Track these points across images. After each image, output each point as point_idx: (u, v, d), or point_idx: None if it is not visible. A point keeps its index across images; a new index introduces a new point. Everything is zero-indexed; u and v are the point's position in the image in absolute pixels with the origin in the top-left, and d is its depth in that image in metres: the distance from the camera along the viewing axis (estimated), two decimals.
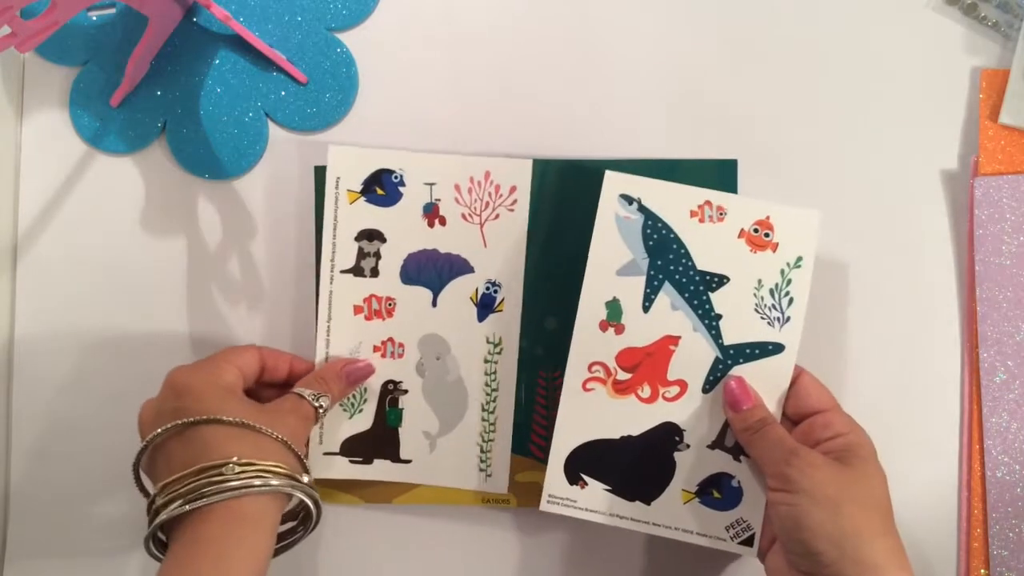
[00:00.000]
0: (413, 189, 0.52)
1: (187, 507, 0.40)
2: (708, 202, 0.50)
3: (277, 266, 0.55)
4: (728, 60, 0.55)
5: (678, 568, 0.54)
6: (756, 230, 0.50)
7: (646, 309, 0.50)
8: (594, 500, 0.51)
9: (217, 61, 0.55)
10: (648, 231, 0.50)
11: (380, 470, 0.52)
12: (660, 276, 0.50)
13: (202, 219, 0.55)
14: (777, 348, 0.50)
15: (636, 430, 0.51)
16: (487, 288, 0.52)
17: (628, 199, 0.50)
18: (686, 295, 0.50)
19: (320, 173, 0.54)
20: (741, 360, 0.50)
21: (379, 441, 0.52)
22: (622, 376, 0.50)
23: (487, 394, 0.52)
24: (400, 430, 0.52)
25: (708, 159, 0.54)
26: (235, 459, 0.41)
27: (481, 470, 0.52)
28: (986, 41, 0.55)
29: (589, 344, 0.50)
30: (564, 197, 0.54)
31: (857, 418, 0.48)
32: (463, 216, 0.52)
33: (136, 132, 0.55)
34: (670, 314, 0.50)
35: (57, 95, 0.56)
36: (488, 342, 0.52)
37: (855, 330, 0.54)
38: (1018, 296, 0.53)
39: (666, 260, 0.50)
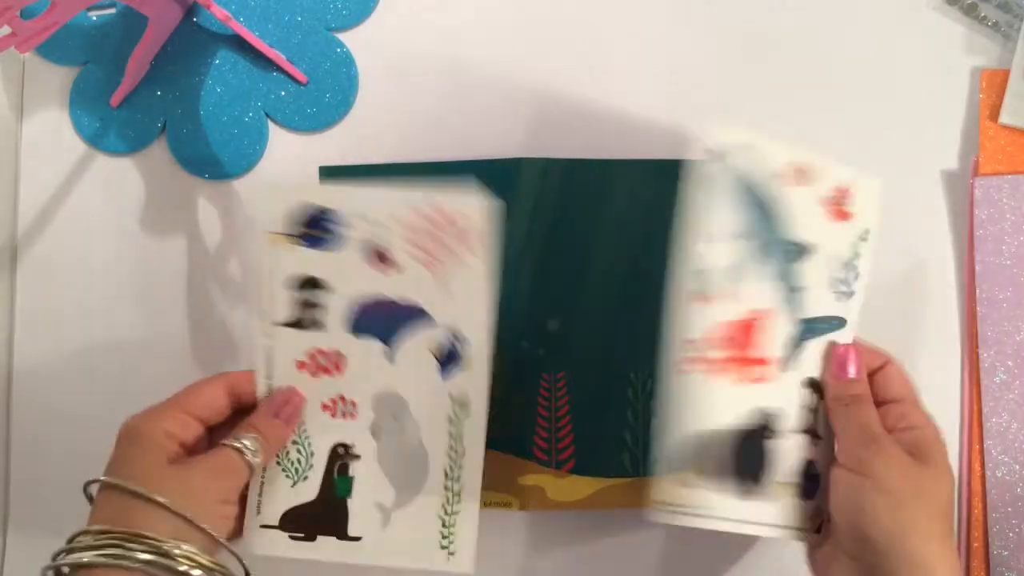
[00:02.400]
0: (358, 231, 0.45)
1: (85, 560, 0.39)
2: (793, 164, 0.46)
3: None
4: (728, 60, 0.55)
5: (683, 569, 0.54)
6: (834, 198, 0.47)
7: (735, 280, 0.46)
8: (713, 503, 0.45)
9: (217, 61, 0.55)
10: (737, 200, 0.46)
11: (324, 549, 0.46)
12: (751, 245, 0.46)
13: (202, 219, 0.55)
14: (840, 323, 0.47)
15: (731, 419, 0.46)
16: (450, 341, 0.46)
17: (715, 168, 0.46)
18: (774, 265, 0.46)
19: (324, 174, 0.54)
20: (810, 335, 0.47)
21: (324, 514, 0.46)
22: (714, 354, 0.46)
23: (451, 459, 0.46)
24: (349, 502, 0.46)
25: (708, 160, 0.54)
26: (142, 532, 0.39)
27: (443, 547, 0.46)
28: (986, 41, 0.55)
29: (683, 319, 0.46)
30: (565, 197, 0.54)
31: None
32: (418, 260, 0.46)
33: (136, 132, 0.55)
34: (758, 285, 0.46)
35: (57, 95, 0.56)
36: (453, 400, 0.46)
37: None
38: (1018, 296, 0.53)
39: (755, 230, 0.46)
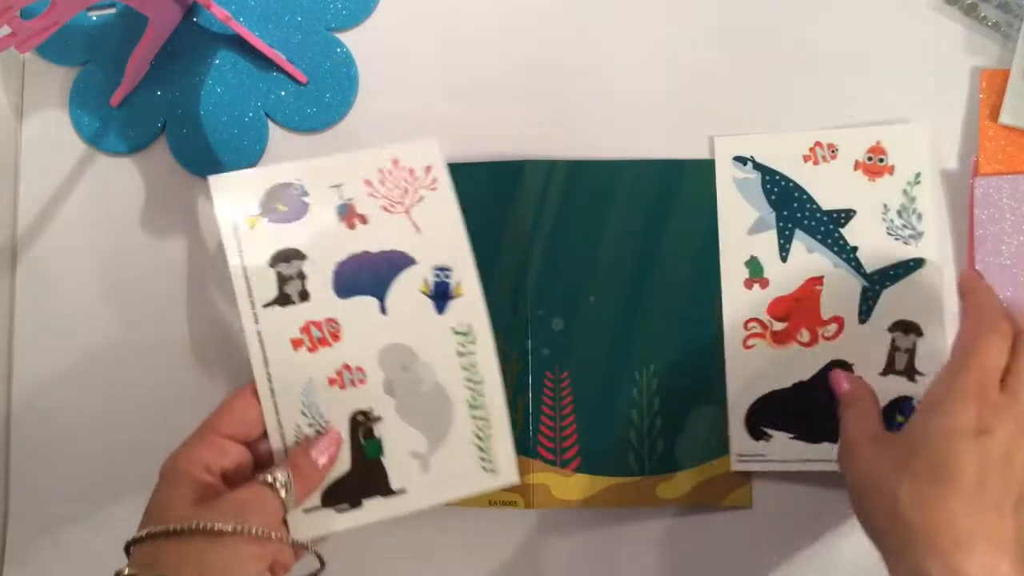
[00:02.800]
0: (318, 196, 0.46)
1: None
2: (818, 143, 0.53)
3: None
4: (728, 60, 0.55)
5: (688, 567, 0.54)
6: (870, 158, 0.52)
7: (784, 259, 0.53)
8: (782, 450, 0.52)
9: (217, 61, 0.55)
10: (768, 186, 0.53)
11: (373, 511, 0.46)
12: (789, 225, 0.53)
13: (202, 219, 0.55)
14: (918, 263, 0.52)
15: (806, 374, 0.52)
16: (436, 275, 0.46)
17: (742, 160, 0.52)
18: (818, 236, 0.53)
19: None
20: (888, 283, 0.52)
21: (363, 479, 0.46)
22: (778, 327, 0.52)
23: (471, 388, 0.47)
24: (383, 460, 0.46)
25: (709, 159, 0.54)
26: None
27: (485, 469, 0.47)
28: (986, 41, 0.55)
29: (739, 304, 0.53)
30: (568, 197, 0.54)
31: None
32: (384, 208, 0.46)
33: (136, 132, 0.55)
34: (808, 257, 0.53)
35: (57, 95, 0.56)
36: (456, 333, 0.46)
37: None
38: (1018, 296, 0.53)
39: (791, 209, 0.53)
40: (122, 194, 0.55)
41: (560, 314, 0.53)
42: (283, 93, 0.55)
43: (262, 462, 0.44)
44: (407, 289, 0.46)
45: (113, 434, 0.54)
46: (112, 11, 0.56)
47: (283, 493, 0.41)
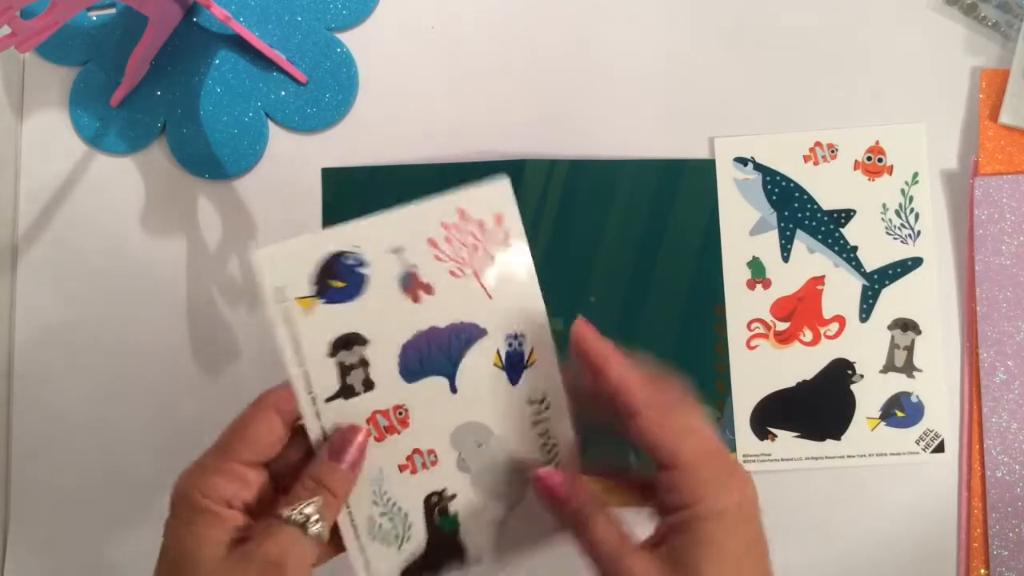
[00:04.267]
0: (377, 266, 0.40)
1: None
2: (818, 143, 0.53)
3: None
4: (728, 60, 0.55)
5: None
6: (869, 158, 0.53)
7: (785, 259, 0.53)
8: (787, 449, 0.53)
9: (217, 61, 0.55)
10: (769, 187, 0.53)
11: None
12: (790, 226, 0.53)
13: (202, 219, 0.55)
14: (916, 262, 0.53)
15: (809, 373, 0.53)
16: (509, 344, 0.42)
17: (743, 161, 0.53)
18: (819, 236, 0.53)
19: (327, 175, 0.54)
20: (887, 281, 0.53)
21: (441, 553, 0.42)
22: (781, 327, 0.53)
23: (546, 452, 0.43)
24: (461, 531, 0.42)
25: (709, 159, 0.54)
26: None
27: None
28: (986, 41, 0.55)
29: (742, 305, 0.53)
30: (568, 197, 0.54)
31: None
32: (451, 273, 0.41)
33: (136, 132, 0.55)
34: (809, 257, 0.53)
35: (57, 95, 0.56)
36: (531, 403, 0.42)
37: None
38: (1018, 296, 0.53)
39: (792, 209, 0.53)
40: (122, 194, 0.55)
41: (560, 314, 0.53)
42: (283, 93, 0.55)
43: (280, 478, 0.39)
44: (478, 363, 0.41)
45: (113, 434, 0.54)
46: (112, 11, 0.56)
47: (315, 528, 0.37)
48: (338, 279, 0.39)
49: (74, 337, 0.55)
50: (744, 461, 0.53)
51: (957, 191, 0.54)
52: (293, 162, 0.55)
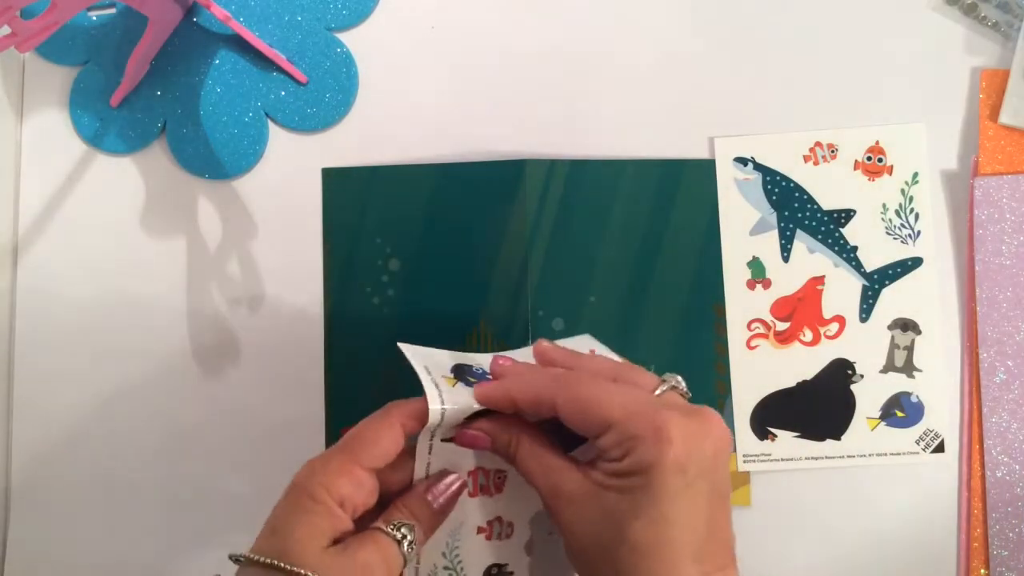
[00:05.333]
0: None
1: None
2: (818, 143, 0.53)
3: (278, 266, 0.55)
4: (728, 60, 0.55)
5: None
6: (869, 158, 0.53)
7: (785, 259, 0.53)
8: (787, 449, 0.53)
9: (217, 61, 0.55)
10: (769, 186, 0.53)
11: None
12: (790, 226, 0.53)
13: (202, 219, 0.55)
14: (916, 262, 0.53)
15: (810, 373, 0.53)
16: None
17: (743, 161, 0.53)
18: (819, 237, 0.53)
19: (327, 175, 0.54)
20: (887, 282, 0.53)
21: None
22: (781, 327, 0.53)
23: None
24: None
25: (709, 159, 0.54)
26: None
27: None
28: (986, 41, 0.55)
29: (742, 305, 0.53)
30: (569, 197, 0.54)
31: None
32: None
33: (136, 132, 0.55)
34: (809, 257, 0.53)
35: (57, 95, 0.56)
36: None
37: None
38: (1018, 296, 0.53)
39: (792, 209, 0.53)
40: (122, 194, 0.55)
41: (561, 314, 0.53)
42: (283, 93, 0.55)
43: (384, 492, 0.40)
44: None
45: (113, 434, 0.54)
46: (112, 11, 0.56)
47: (407, 549, 0.38)
48: (470, 375, 0.41)
49: (74, 337, 0.55)
50: (744, 461, 0.53)
51: (957, 191, 0.54)
52: (293, 162, 0.55)
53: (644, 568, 0.35)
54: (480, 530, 0.42)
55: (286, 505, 0.38)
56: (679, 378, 0.39)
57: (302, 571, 0.35)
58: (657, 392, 0.38)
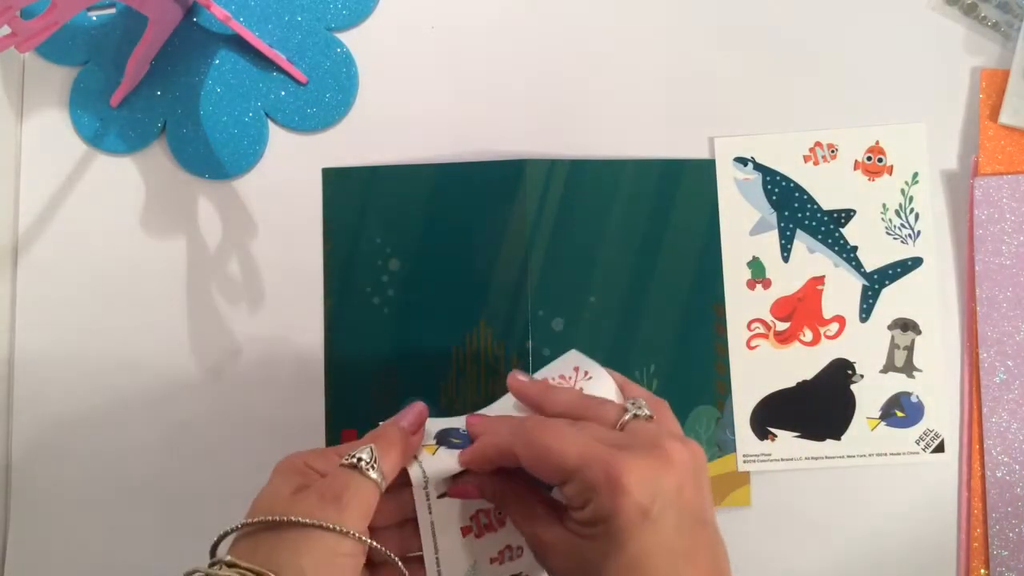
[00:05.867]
0: None
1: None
2: (818, 143, 0.53)
3: (278, 266, 0.55)
4: (728, 60, 0.55)
5: None
6: (869, 158, 0.53)
7: (786, 259, 0.53)
8: (787, 449, 0.53)
9: (217, 61, 0.55)
10: (769, 186, 0.53)
11: None
12: (790, 226, 0.53)
13: (202, 219, 0.55)
14: (916, 262, 0.53)
15: (809, 374, 0.53)
16: None
17: (743, 161, 0.53)
18: (819, 236, 0.53)
19: (327, 175, 0.54)
20: (887, 282, 0.53)
21: None
22: (781, 327, 0.53)
23: None
24: None
25: (709, 159, 0.54)
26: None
27: None
28: (986, 41, 0.55)
29: (742, 305, 0.53)
30: (569, 197, 0.54)
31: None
32: None
33: (136, 132, 0.55)
34: (809, 257, 0.53)
35: (57, 95, 0.56)
36: None
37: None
38: (1018, 296, 0.53)
39: (792, 209, 0.53)
40: (122, 194, 0.55)
41: (561, 314, 0.53)
42: (283, 93, 0.55)
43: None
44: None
45: (113, 433, 0.54)
46: (112, 11, 0.56)
47: (372, 473, 0.38)
48: (454, 438, 0.43)
49: (74, 337, 0.55)
50: (744, 461, 0.53)
51: (957, 191, 0.54)
52: (293, 162, 0.55)
53: None
54: (493, 560, 0.44)
55: (268, 483, 0.39)
56: (642, 402, 0.39)
57: (264, 517, 0.36)
58: (619, 423, 0.38)
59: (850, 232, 0.53)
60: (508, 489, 0.41)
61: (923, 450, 0.53)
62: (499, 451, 0.40)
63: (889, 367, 0.53)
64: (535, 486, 0.41)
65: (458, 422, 0.44)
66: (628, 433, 0.38)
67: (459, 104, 0.55)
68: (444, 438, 0.43)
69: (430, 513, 0.43)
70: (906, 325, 0.53)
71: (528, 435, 0.38)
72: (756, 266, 0.53)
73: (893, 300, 0.53)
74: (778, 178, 0.54)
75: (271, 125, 0.55)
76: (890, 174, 0.53)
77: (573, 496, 0.37)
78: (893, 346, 0.53)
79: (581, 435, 0.37)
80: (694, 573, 0.35)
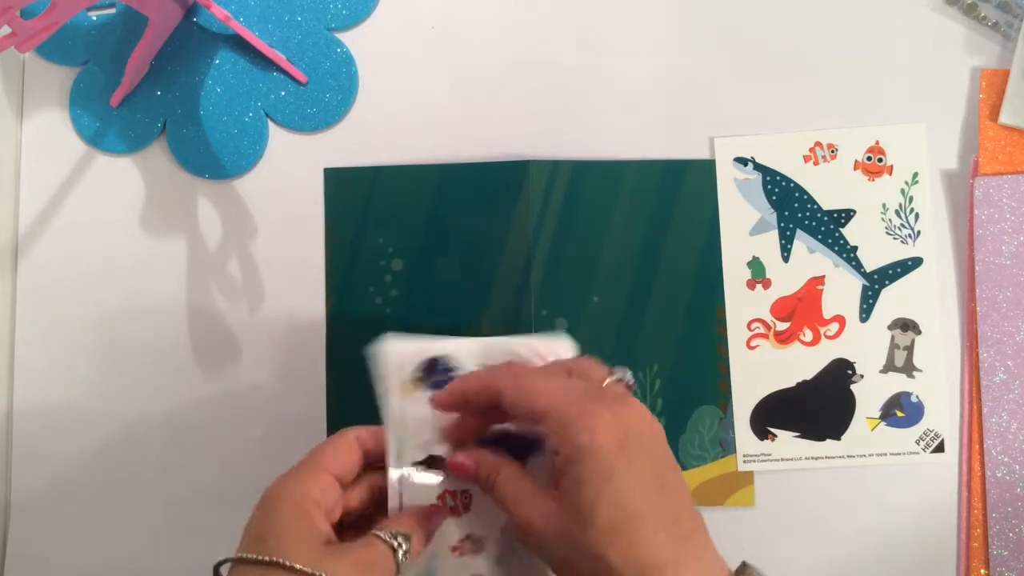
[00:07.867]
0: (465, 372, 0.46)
1: None
2: (818, 143, 0.53)
3: (278, 266, 0.55)
4: (728, 61, 0.55)
5: None
6: (869, 158, 0.53)
7: (785, 259, 0.53)
8: (787, 449, 0.53)
9: (217, 61, 0.55)
10: (769, 187, 0.53)
11: None
12: (790, 226, 0.53)
13: (202, 219, 0.55)
14: (916, 262, 0.53)
15: (809, 374, 0.53)
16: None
17: (743, 161, 0.53)
18: (819, 236, 0.53)
19: (328, 176, 0.54)
20: (887, 282, 0.53)
21: None
22: (781, 327, 0.53)
23: None
24: None
25: (710, 159, 0.54)
26: None
27: None
28: (986, 41, 0.55)
29: (742, 305, 0.53)
30: (571, 197, 0.54)
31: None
32: None
33: (136, 132, 0.55)
34: (809, 257, 0.53)
35: (57, 95, 0.56)
36: None
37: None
38: (1018, 296, 0.53)
39: (792, 209, 0.53)
40: (122, 194, 0.55)
41: (563, 315, 0.53)
42: (283, 93, 0.55)
43: (348, 510, 0.43)
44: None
45: (113, 433, 0.54)
46: (112, 11, 0.56)
47: (401, 558, 0.39)
48: (436, 376, 0.44)
49: (74, 337, 0.55)
50: (744, 461, 0.53)
51: (957, 191, 0.54)
52: (293, 162, 0.55)
53: (617, 548, 0.35)
54: (454, 549, 0.44)
55: (265, 514, 0.39)
56: (628, 371, 0.41)
57: (304, 567, 0.36)
58: (605, 383, 0.40)
59: (850, 232, 0.53)
60: (504, 467, 0.41)
61: (923, 450, 0.53)
62: (479, 387, 0.41)
63: (889, 367, 0.53)
64: (529, 473, 0.41)
65: (451, 347, 0.45)
66: (607, 390, 0.40)
67: (459, 105, 0.55)
68: (430, 372, 0.44)
69: (399, 485, 0.43)
70: (906, 325, 0.53)
71: (516, 376, 0.40)
72: (756, 266, 0.54)
73: (893, 300, 0.53)
74: (778, 178, 0.54)
75: (271, 125, 0.55)
76: (890, 174, 0.54)
77: (552, 435, 0.38)
78: (893, 346, 0.53)
79: (567, 381, 0.39)
80: (677, 513, 0.37)
